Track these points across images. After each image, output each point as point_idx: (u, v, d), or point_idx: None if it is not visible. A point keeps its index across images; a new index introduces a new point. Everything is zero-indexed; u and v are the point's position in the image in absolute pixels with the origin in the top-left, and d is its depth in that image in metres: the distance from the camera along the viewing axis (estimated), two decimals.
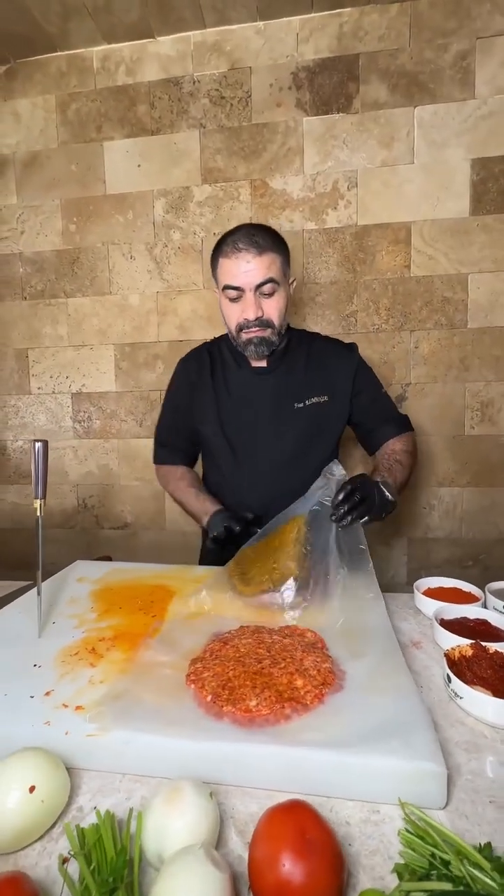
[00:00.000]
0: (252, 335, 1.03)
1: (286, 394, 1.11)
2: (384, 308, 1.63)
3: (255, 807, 0.47)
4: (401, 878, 0.38)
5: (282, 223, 1.64)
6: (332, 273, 1.64)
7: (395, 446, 1.12)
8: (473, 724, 0.58)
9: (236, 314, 1.02)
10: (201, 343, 1.26)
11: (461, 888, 0.36)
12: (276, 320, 1.02)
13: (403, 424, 1.17)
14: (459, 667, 0.65)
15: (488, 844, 0.40)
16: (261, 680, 0.58)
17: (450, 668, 0.64)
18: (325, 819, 0.39)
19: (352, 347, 1.19)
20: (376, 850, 0.42)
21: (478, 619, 0.77)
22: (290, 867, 0.35)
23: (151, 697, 0.56)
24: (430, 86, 1.54)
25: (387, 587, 0.91)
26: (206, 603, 0.81)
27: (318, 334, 1.23)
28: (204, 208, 1.68)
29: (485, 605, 0.84)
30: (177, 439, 1.24)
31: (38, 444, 0.73)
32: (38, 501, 0.73)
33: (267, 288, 0.99)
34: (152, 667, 0.62)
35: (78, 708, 0.55)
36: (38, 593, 0.74)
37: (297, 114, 1.61)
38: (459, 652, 0.66)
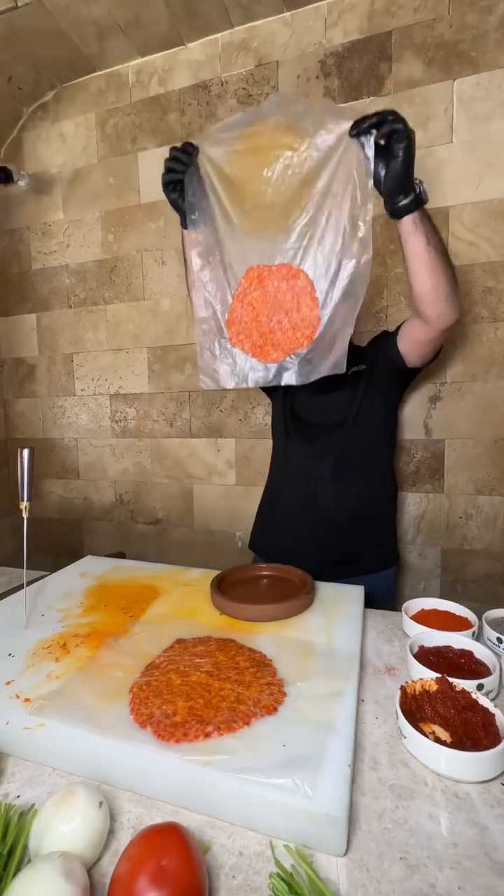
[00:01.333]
0: None
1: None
2: None
3: (158, 821, 0.47)
4: None
5: None
6: None
7: None
8: (418, 768, 0.53)
9: None
10: None
11: None
12: None
13: None
14: (419, 702, 0.59)
15: None
16: (197, 694, 0.58)
17: (407, 702, 0.59)
18: (220, 846, 0.39)
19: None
20: (258, 888, 0.41)
21: (462, 650, 0.70)
22: (140, 891, 0.35)
23: (90, 698, 0.58)
24: (471, 54, 1.39)
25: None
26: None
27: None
28: None
29: (476, 634, 0.76)
30: None
31: (25, 451, 0.79)
32: (25, 503, 0.79)
33: None
34: (106, 667, 0.65)
35: (26, 700, 0.60)
36: (25, 586, 0.80)
37: None
38: (422, 686, 0.61)
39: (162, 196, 1.74)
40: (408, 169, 0.78)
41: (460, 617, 0.81)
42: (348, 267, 0.84)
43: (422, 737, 0.52)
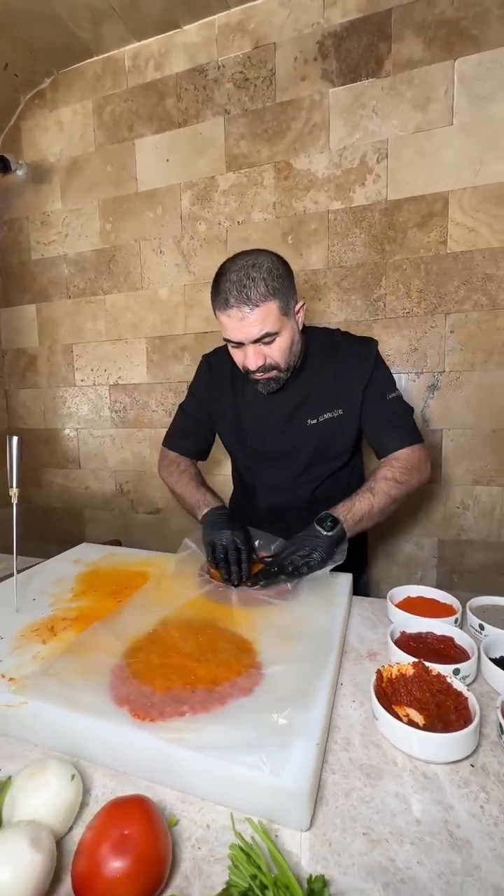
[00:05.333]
0: (258, 377, 0.98)
1: (299, 411, 1.06)
2: (416, 290, 1.50)
3: (132, 793, 0.49)
4: (223, 892, 0.38)
5: (306, 205, 1.57)
6: (359, 255, 1.54)
7: (382, 470, 1.01)
8: (388, 749, 0.54)
9: (239, 359, 0.98)
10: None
11: None
12: (281, 362, 0.96)
13: (402, 437, 1.03)
14: (395, 685, 0.60)
15: (320, 877, 0.38)
16: (176, 675, 0.59)
17: (383, 686, 0.60)
18: (189, 820, 0.40)
19: (369, 350, 1.06)
20: (222, 859, 0.42)
21: (443, 636, 0.71)
22: (102, 859, 0.37)
23: (72, 678, 0.60)
24: (473, 32, 1.35)
25: None
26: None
27: (338, 333, 1.12)
28: (228, 197, 1.67)
29: (460, 622, 0.76)
30: (194, 429, 1.22)
31: (14, 439, 0.80)
32: (14, 490, 0.80)
33: (266, 339, 0.92)
34: (89, 649, 0.67)
35: (11, 679, 0.61)
36: (14, 571, 0.82)
37: (322, 86, 1.51)
38: (398, 670, 0.62)
39: (161, 184, 1.74)
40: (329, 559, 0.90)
41: (445, 604, 0.81)
42: None
43: (392, 719, 0.53)
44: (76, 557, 1.08)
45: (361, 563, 1.24)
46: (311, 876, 0.38)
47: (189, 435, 1.23)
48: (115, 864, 0.36)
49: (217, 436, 1.24)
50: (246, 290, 0.86)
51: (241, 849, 0.39)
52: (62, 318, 1.99)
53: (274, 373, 0.96)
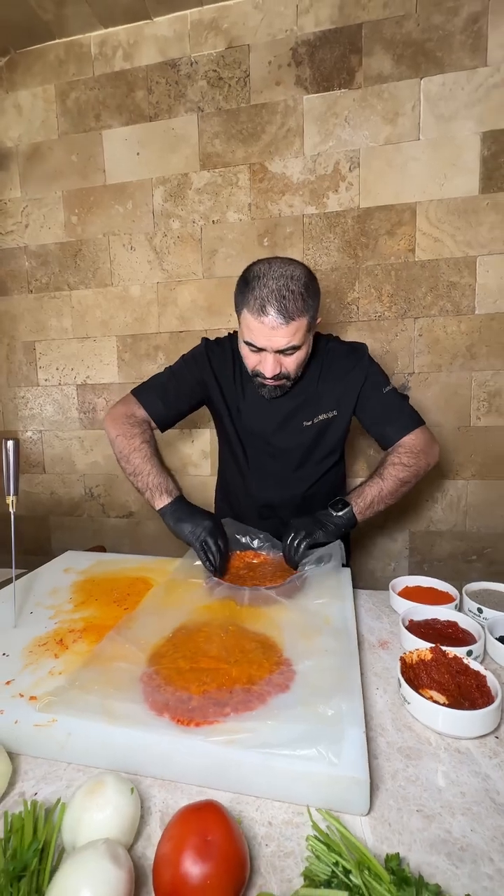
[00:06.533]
0: (266, 383, 0.99)
1: (296, 413, 1.08)
2: (387, 295, 1.57)
3: (185, 802, 0.48)
4: (308, 882, 0.39)
5: (281, 208, 1.60)
6: (333, 259, 1.59)
7: (390, 457, 1.06)
8: (421, 731, 0.57)
9: (252, 362, 0.98)
10: (217, 333, 1.21)
11: None
12: (293, 373, 0.98)
13: (405, 424, 1.08)
14: (416, 670, 0.64)
15: (395, 855, 0.40)
16: (209, 678, 0.59)
17: (406, 671, 0.63)
18: (249, 819, 0.40)
19: (361, 354, 1.10)
20: (291, 853, 0.43)
21: (448, 621, 0.76)
22: (187, 867, 0.36)
23: (100, 689, 0.58)
24: (437, 54, 1.44)
25: (387, 581, 0.91)
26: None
27: (331, 338, 1.16)
28: (203, 195, 1.65)
29: (459, 607, 0.82)
30: (173, 397, 1.12)
31: (9, 443, 0.75)
32: (11, 498, 0.76)
33: (289, 350, 0.94)
34: (109, 659, 0.65)
35: (32, 698, 0.58)
36: (14, 580, 0.77)
37: (296, 92, 1.54)
38: (418, 655, 0.65)
39: (131, 178, 1.69)
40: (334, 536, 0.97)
41: (442, 592, 0.87)
42: None
43: (427, 701, 0.56)
44: (65, 566, 1.03)
45: (346, 557, 1.28)
46: (387, 855, 0.40)
47: (166, 398, 1.11)
48: (204, 870, 0.36)
49: (215, 430, 1.23)
50: (285, 302, 0.87)
51: (318, 839, 0.40)
52: (22, 314, 1.88)
53: (283, 381, 0.98)
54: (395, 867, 0.38)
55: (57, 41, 1.69)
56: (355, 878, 0.37)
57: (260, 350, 0.94)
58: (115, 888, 0.35)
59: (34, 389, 1.91)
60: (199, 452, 1.79)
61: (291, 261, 0.95)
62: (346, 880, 0.37)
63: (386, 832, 0.44)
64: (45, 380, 1.89)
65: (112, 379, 1.83)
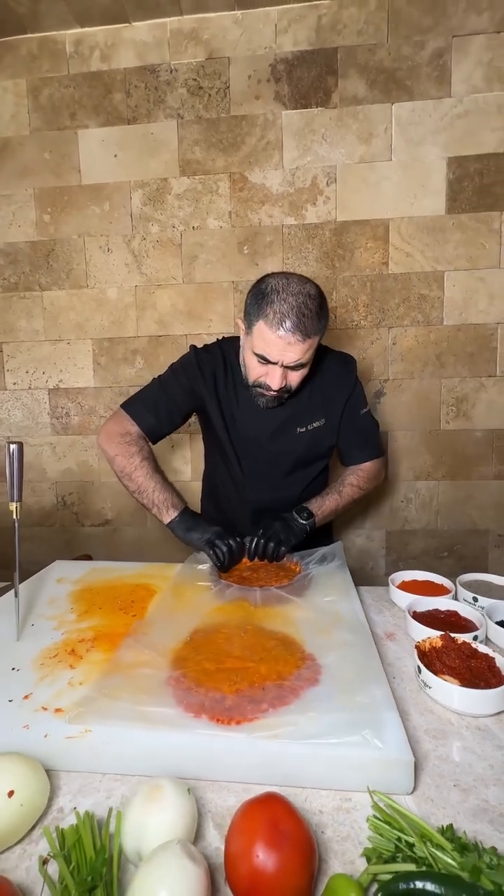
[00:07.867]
0: (267, 394, 1.01)
1: (290, 420, 1.11)
2: (363, 305, 1.65)
3: (232, 800, 0.48)
4: (369, 861, 0.40)
5: (262, 218, 1.64)
6: (312, 269, 1.65)
7: (350, 477, 1.16)
8: (441, 713, 0.61)
9: (257, 373, 0.99)
10: (198, 337, 1.23)
11: (424, 868, 0.38)
12: (295, 387, 1.01)
13: (371, 452, 1.18)
14: (429, 657, 0.67)
15: (450, 826, 0.42)
16: (239, 677, 0.59)
17: (420, 659, 0.67)
18: (299, 809, 0.41)
19: (350, 370, 1.15)
20: (347, 837, 0.44)
21: (448, 611, 0.81)
22: (262, 858, 0.37)
23: (130, 696, 0.57)
24: (407, 83, 1.55)
25: (366, 579, 0.95)
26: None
27: (323, 348, 1.15)
28: (182, 201, 1.66)
29: (455, 597, 0.87)
30: (165, 409, 1.10)
31: (13, 446, 0.72)
32: (15, 504, 0.72)
33: (297, 366, 0.96)
34: (131, 666, 0.63)
35: (57, 710, 0.56)
36: (16, 595, 0.74)
37: (275, 107, 1.59)
38: (430, 643, 0.69)
39: (108, 179, 1.67)
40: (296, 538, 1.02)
41: (437, 584, 0.92)
42: None
43: (447, 684, 0.60)
44: (57, 576, 0.99)
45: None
46: (441, 826, 0.42)
47: (157, 412, 1.10)
48: (278, 859, 0.37)
49: (203, 435, 1.24)
50: (304, 320, 0.89)
51: (377, 818, 0.42)
52: None
53: (282, 392, 1.01)
54: (452, 836, 0.41)
55: (30, 35, 1.64)
56: (419, 851, 0.39)
57: (268, 362, 0.95)
58: (196, 886, 0.35)
59: (1, 394, 1.82)
60: (179, 458, 1.78)
61: (307, 279, 0.97)
62: (410, 853, 0.39)
63: (430, 808, 0.47)
64: (14, 383, 1.81)
65: (87, 383, 1.77)
